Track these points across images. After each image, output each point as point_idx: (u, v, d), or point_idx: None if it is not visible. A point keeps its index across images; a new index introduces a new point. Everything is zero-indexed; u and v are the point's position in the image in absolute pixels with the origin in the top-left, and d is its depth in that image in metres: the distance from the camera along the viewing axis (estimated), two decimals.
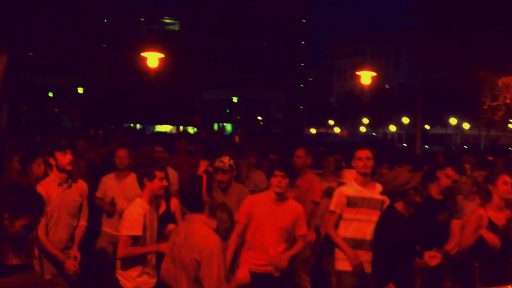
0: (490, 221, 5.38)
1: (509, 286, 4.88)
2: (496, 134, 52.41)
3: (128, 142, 12.77)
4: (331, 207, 5.70)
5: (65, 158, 5.55)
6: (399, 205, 4.83)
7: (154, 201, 5.26)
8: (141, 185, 5.21)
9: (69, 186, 5.67)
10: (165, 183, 5.20)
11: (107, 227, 7.00)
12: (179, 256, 3.93)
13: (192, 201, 4.03)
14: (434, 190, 6.19)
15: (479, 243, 5.30)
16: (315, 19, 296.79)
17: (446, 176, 6.08)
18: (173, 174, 7.34)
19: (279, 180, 5.27)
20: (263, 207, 5.36)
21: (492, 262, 5.25)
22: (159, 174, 5.16)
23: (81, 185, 5.86)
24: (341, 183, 6.46)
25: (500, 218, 5.38)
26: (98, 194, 7.11)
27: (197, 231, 3.92)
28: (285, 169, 5.31)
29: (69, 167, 5.61)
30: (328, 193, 7.17)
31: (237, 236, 5.46)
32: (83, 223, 5.81)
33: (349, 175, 6.39)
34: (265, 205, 5.38)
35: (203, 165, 6.43)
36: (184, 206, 4.09)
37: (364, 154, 5.64)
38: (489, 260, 5.26)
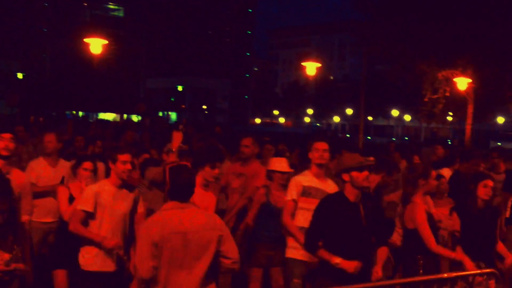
0: (430, 215, 5.54)
1: (445, 274, 5.01)
2: (436, 126, 53.76)
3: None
4: (290, 196, 5.71)
5: None
6: (346, 189, 4.90)
7: (123, 185, 5.32)
8: (74, 172, 5.55)
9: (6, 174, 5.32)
10: (128, 166, 5.26)
11: (37, 217, 6.62)
12: (192, 241, 4.05)
13: (186, 191, 4.17)
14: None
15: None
16: (261, 8, 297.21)
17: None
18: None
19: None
20: None
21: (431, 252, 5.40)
22: (121, 157, 5.24)
23: (17, 175, 5.45)
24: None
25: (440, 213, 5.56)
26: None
27: (203, 213, 4.25)
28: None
29: (3, 153, 5.36)
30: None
31: None
32: (24, 218, 5.37)
33: (276, 163, 6.38)
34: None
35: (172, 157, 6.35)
36: (172, 197, 4.09)
37: (321, 146, 5.74)
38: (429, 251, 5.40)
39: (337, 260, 4.64)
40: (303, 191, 5.66)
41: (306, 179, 5.73)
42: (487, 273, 5.02)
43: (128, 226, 5.24)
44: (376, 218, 4.97)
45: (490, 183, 5.74)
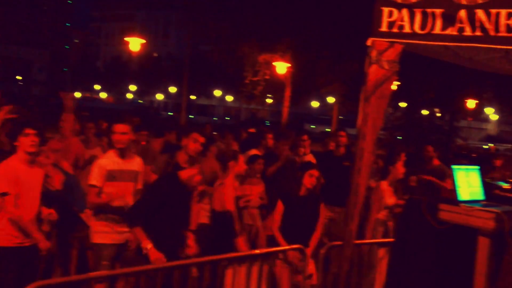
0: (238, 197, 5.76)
1: (257, 251, 5.23)
2: (255, 107, 55.57)
3: None
4: (92, 181, 5.51)
5: None
6: (184, 173, 5.03)
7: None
8: None
9: None
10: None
11: None
12: None
13: None
14: (182, 158, 6.31)
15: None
16: None
17: (194, 141, 6.21)
18: None
19: (32, 139, 5.02)
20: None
21: None
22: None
23: None
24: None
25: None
26: None
27: None
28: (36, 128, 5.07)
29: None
30: (91, 162, 6.97)
31: None
32: None
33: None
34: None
35: None
36: None
37: (119, 129, 5.52)
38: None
39: (148, 246, 4.66)
40: (107, 175, 5.49)
41: (109, 162, 5.55)
42: (294, 249, 5.31)
43: None
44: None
45: (316, 173, 6.07)
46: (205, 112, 76.30)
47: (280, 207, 6.03)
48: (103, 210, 5.46)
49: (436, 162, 9.10)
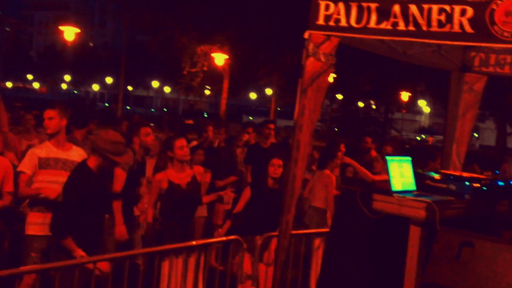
0: (171, 182, 5.74)
1: (193, 242, 5.23)
2: (193, 99, 55.30)
3: None
4: (21, 168, 5.39)
5: None
6: (91, 161, 4.85)
7: None
8: None
9: None
10: None
11: None
12: None
13: None
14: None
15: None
16: None
17: (145, 135, 6.22)
18: None
19: None
20: None
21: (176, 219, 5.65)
22: None
23: None
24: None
25: (182, 177, 5.75)
26: None
27: None
28: None
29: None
30: None
31: None
32: None
33: None
34: None
35: None
36: None
37: (46, 114, 5.40)
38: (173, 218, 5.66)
39: (81, 254, 4.57)
40: (40, 163, 5.36)
41: (43, 150, 5.44)
42: (231, 240, 5.33)
43: None
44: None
45: (278, 161, 6.10)
46: (142, 103, 75.39)
47: (246, 194, 6.06)
48: (35, 201, 5.34)
49: (373, 153, 9.31)
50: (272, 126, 8.86)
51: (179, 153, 5.78)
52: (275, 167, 6.07)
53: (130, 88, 69.03)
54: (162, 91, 73.38)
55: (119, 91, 25.11)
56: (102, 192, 4.89)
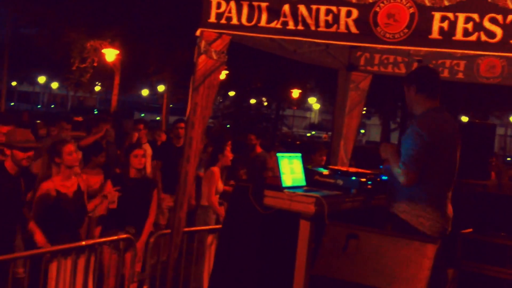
0: (58, 191, 5.32)
1: (83, 242, 5.11)
2: (83, 95, 53.67)
3: None
4: None
5: None
6: (7, 163, 4.77)
7: None
8: None
9: None
10: None
11: None
12: None
13: None
14: None
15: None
16: None
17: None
18: None
19: None
20: None
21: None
22: None
23: None
24: None
25: (67, 186, 5.48)
26: None
27: None
28: None
29: None
30: None
31: None
32: None
33: None
34: None
35: None
36: None
37: None
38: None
39: None
40: None
41: None
42: (122, 239, 5.25)
43: None
44: None
45: (140, 152, 6.02)
46: (28, 99, 72.25)
47: (108, 187, 5.92)
48: None
49: (258, 149, 9.50)
50: (183, 125, 8.79)
51: (68, 159, 5.39)
52: (139, 158, 6.01)
53: (14, 83, 65.90)
54: (50, 87, 70.64)
55: (2, 86, 23.93)
56: (17, 195, 4.71)
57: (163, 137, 10.52)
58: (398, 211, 4.22)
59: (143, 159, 6.05)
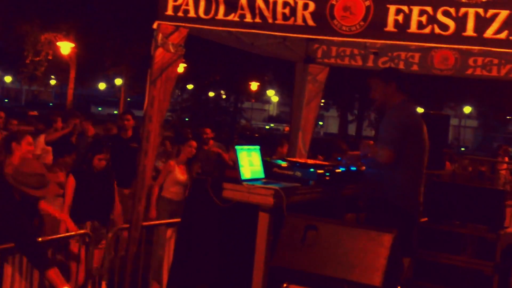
0: None
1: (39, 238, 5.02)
2: (37, 89, 52.69)
3: None
4: None
5: None
6: None
7: None
8: None
9: None
10: None
11: None
12: None
13: None
14: None
15: None
16: None
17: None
18: None
19: None
20: None
21: None
22: None
23: None
24: None
25: None
26: None
27: None
28: None
29: None
30: None
31: None
32: None
33: None
34: None
35: None
36: None
37: None
38: None
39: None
40: None
41: None
42: (80, 235, 5.19)
43: None
44: None
45: (105, 156, 5.95)
46: None
47: (71, 182, 5.82)
48: None
49: (211, 142, 9.59)
50: (129, 117, 8.70)
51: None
52: (101, 162, 5.94)
53: None
54: (3, 81, 69.05)
55: None
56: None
57: (114, 130, 10.37)
58: (382, 193, 4.47)
59: (104, 163, 5.97)
